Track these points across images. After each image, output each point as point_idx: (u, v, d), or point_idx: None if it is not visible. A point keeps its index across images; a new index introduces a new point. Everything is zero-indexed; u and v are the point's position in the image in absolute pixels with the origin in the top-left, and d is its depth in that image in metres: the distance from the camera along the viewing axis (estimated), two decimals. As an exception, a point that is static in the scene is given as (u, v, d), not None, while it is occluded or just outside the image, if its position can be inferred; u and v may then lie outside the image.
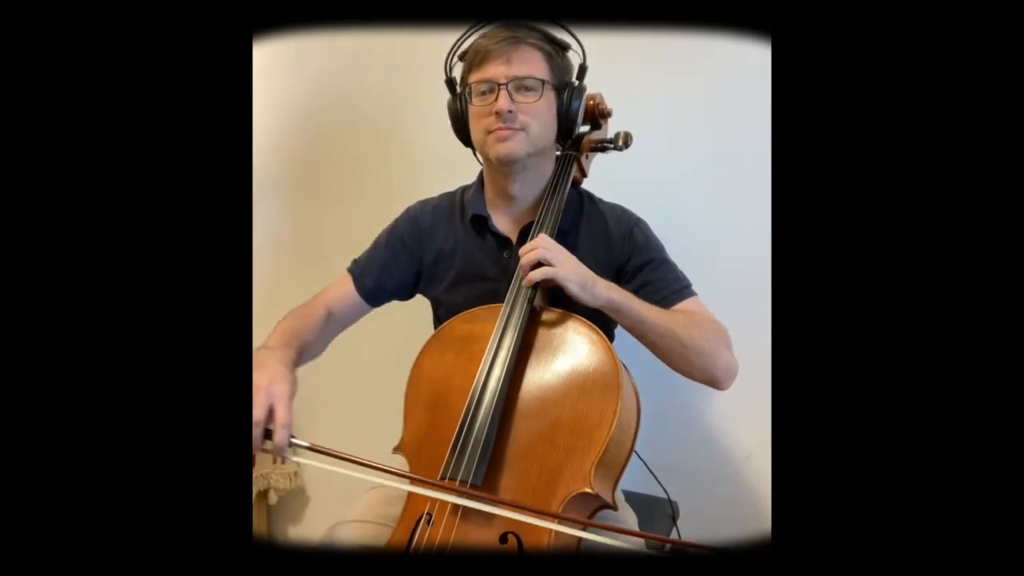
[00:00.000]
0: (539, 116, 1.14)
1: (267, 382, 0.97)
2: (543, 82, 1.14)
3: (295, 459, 0.97)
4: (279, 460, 0.99)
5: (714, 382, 1.12)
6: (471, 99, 1.17)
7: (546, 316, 1.09)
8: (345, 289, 1.26)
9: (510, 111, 1.12)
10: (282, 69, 1.74)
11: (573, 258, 1.08)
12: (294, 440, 0.95)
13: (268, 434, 0.95)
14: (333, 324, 1.23)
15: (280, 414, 0.95)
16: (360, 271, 1.27)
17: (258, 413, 0.94)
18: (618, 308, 1.07)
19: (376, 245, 1.29)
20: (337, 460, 0.93)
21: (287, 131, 1.80)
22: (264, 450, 0.95)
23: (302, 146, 1.81)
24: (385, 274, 1.26)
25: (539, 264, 1.05)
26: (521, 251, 1.08)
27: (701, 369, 1.10)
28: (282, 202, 1.85)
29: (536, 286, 1.07)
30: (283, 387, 0.98)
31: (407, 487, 0.99)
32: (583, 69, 1.19)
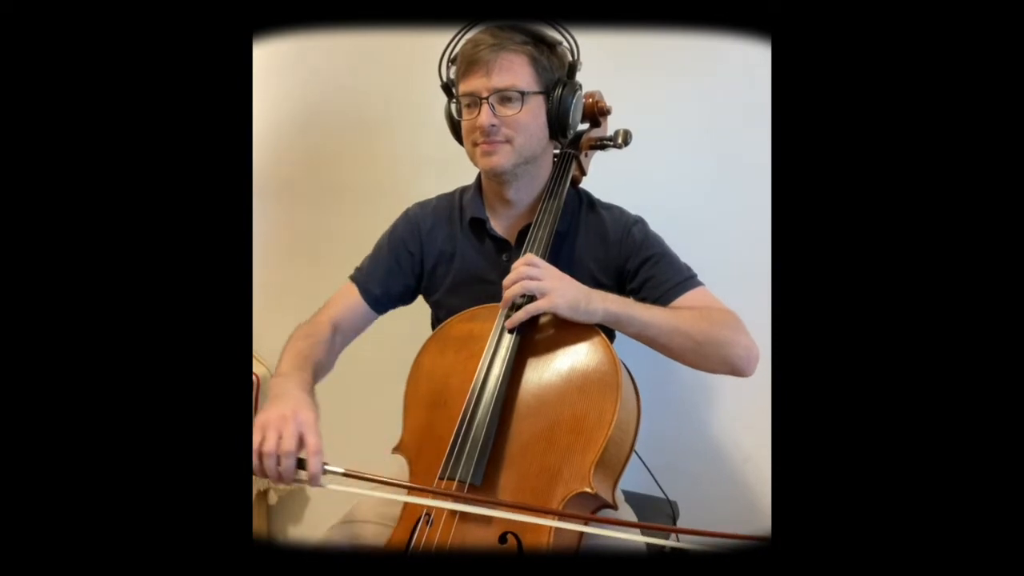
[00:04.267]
0: (523, 127, 1.13)
1: (292, 411, 0.95)
2: (523, 93, 1.12)
3: (332, 487, 0.92)
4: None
5: (736, 370, 1.08)
6: (461, 110, 1.17)
7: (545, 315, 1.09)
8: (351, 300, 1.23)
9: (493, 125, 1.12)
10: (282, 69, 1.74)
11: (562, 276, 1.06)
12: (328, 467, 0.92)
13: (300, 463, 0.92)
14: (340, 338, 1.20)
15: (311, 442, 0.92)
16: (364, 279, 1.24)
17: (289, 443, 0.91)
18: (618, 318, 1.06)
19: (378, 251, 1.27)
20: (374, 484, 0.91)
21: (287, 131, 1.80)
22: (299, 480, 0.92)
23: (301, 146, 1.81)
24: (390, 279, 1.25)
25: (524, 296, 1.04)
26: (504, 283, 1.05)
27: (720, 360, 1.07)
28: (281, 203, 1.84)
29: None
30: (309, 414, 0.95)
31: (440, 504, 0.96)
32: (573, 67, 1.18)
